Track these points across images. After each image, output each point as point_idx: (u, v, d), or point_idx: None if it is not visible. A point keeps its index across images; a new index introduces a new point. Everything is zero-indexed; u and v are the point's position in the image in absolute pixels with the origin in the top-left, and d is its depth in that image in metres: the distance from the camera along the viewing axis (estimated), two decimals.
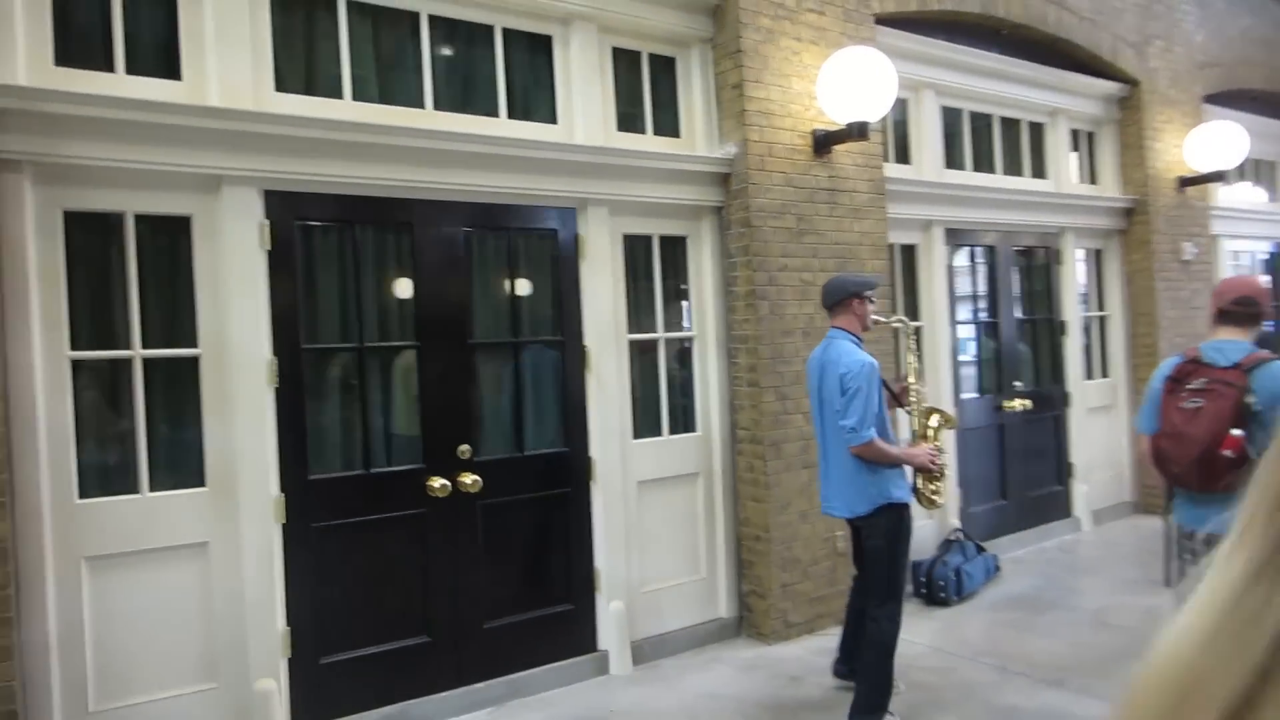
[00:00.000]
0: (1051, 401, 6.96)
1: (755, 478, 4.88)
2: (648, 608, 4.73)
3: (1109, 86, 7.08)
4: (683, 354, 5.02)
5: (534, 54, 4.52)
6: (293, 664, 3.74)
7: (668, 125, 4.98)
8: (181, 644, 3.52)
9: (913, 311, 6.07)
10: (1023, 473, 6.68)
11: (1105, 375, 7.38)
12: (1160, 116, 7.31)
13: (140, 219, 3.49)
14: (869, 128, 4.93)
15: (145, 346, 3.49)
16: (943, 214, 6.10)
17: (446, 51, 4.26)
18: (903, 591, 3.77)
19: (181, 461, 3.58)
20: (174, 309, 3.57)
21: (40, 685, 3.24)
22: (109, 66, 3.45)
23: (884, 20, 5.59)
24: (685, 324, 5.01)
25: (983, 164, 6.61)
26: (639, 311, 4.83)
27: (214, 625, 3.58)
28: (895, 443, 3.83)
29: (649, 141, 4.83)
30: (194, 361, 3.58)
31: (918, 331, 6.01)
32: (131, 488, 3.44)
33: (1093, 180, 7.37)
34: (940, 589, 5.37)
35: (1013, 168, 6.83)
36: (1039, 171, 7.00)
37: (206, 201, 3.57)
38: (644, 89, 4.88)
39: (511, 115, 4.41)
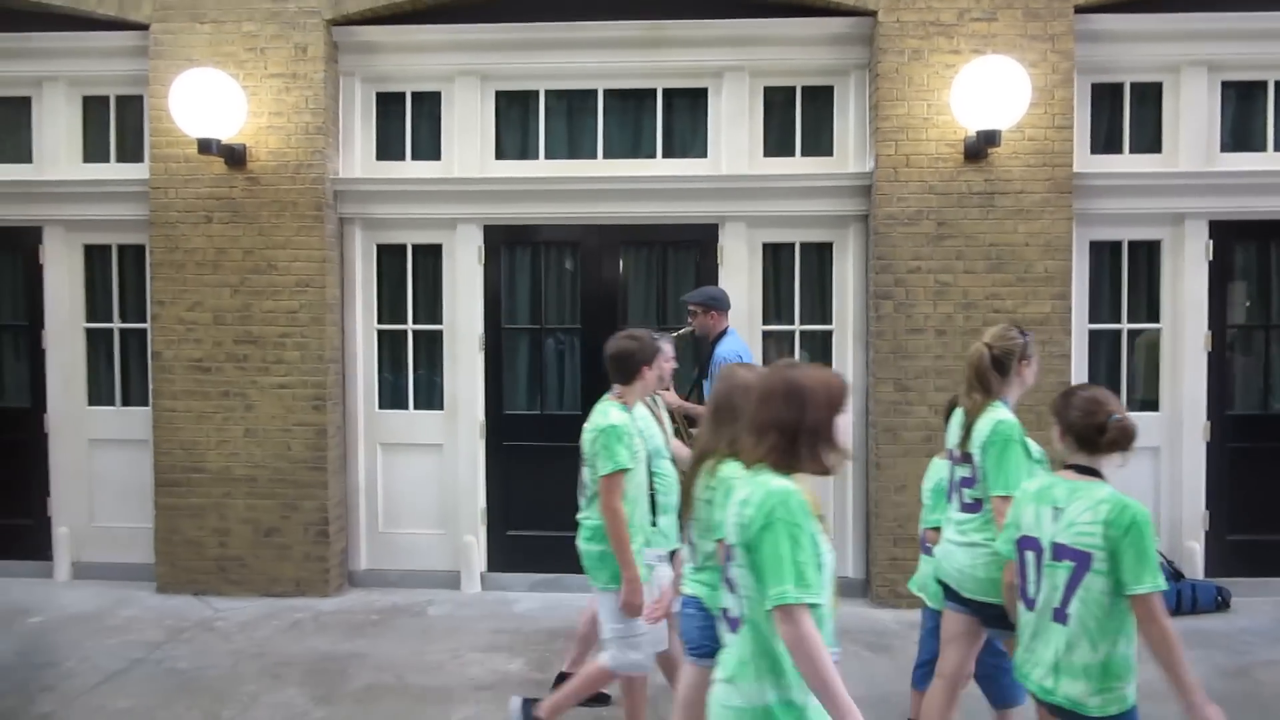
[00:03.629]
0: None
1: (873, 459, 5.44)
2: None
3: None
4: (825, 345, 5.74)
5: (693, 100, 5.75)
6: (488, 530, 5.83)
7: (824, 145, 5.70)
8: (425, 502, 5.86)
9: (1153, 314, 5.60)
10: None
11: None
12: None
13: (416, 247, 5.85)
14: (998, 135, 5.02)
15: (415, 323, 5.87)
16: (1204, 205, 5.45)
17: (615, 112, 5.79)
18: None
19: (431, 394, 5.89)
20: (432, 300, 5.87)
21: (352, 511, 5.86)
22: (403, 157, 5.85)
23: (1095, 8, 5.32)
24: (829, 319, 5.71)
25: None
26: (780, 307, 5.74)
27: (442, 495, 5.84)
28: None
29: (793, 164, 5.65)
30: (439, 334, 5.85)
31: (1152, 336, 5.58)
32: (404, 406, 5.86)
33: None
34: None
35: None
36: None
37: (449, 235, 5.78)
38: (796, 117, 5.70)
39: (668, 154, 5.74)
